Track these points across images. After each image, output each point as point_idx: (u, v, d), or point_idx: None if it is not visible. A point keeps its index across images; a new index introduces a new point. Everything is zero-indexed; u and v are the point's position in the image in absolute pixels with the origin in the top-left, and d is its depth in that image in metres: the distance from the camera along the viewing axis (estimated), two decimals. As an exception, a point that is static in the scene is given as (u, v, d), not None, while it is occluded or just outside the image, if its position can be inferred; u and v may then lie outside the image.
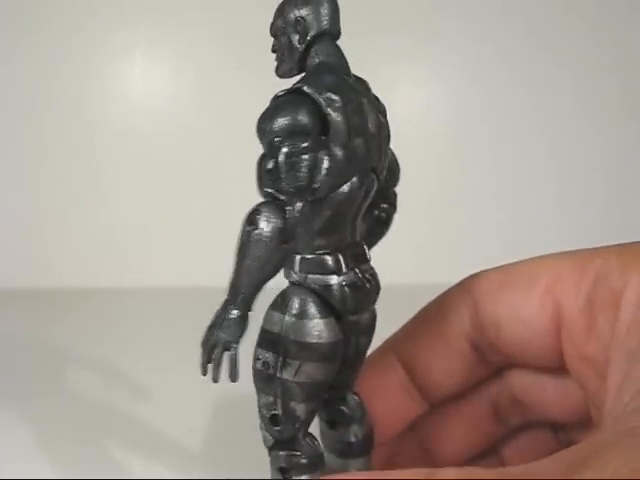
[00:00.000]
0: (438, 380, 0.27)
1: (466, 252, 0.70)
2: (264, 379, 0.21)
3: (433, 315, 0.27)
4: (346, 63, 0.22)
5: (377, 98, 0.23)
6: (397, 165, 0.24)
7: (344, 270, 0.21)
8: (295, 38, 0.21)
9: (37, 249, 0.72)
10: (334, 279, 0.21)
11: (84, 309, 0.63)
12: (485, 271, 0.26)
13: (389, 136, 0.22)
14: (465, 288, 0.26)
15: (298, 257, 0.21)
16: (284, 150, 0.19)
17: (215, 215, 0.65)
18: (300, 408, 0.21)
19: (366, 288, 0.22)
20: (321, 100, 0.20)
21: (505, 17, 0.75)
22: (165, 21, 0.73)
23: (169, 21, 0.73)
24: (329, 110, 0.20)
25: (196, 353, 0.20)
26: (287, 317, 0.21)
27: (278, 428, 0.22)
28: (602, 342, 0.22)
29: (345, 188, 0.20)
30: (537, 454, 0.26)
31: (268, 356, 0.21)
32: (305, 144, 0.20)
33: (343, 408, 0.24)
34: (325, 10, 0.21)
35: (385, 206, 0.24)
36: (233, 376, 0.20)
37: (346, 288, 0.21)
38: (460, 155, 0.74)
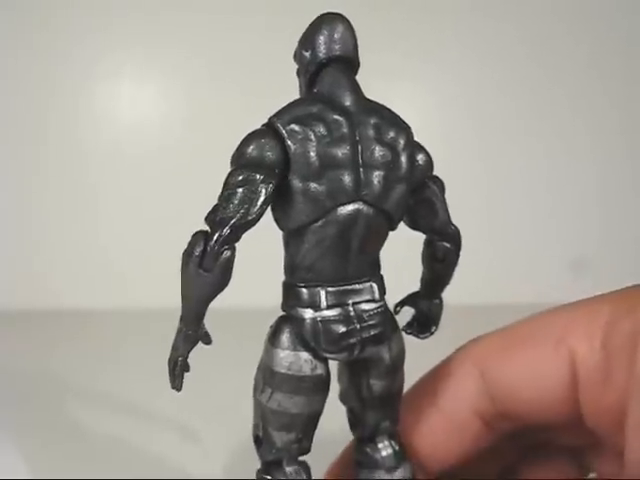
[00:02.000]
0: (441, 457, 0.25)
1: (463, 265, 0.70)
2: (254, 400, 0.22)
3: (432, 389, 0.25)
4: (352, 91, 0.21)
5: (397, 129, 0.21)
6: (436, 199, 0.22)
7: (322, 305, 0.21)
8: (304, 65, 0.21)
9: (32, 271, 0.72)
10: (308, 313, 0.21)
11: (82, 331, 0.63)
12: (485, 336, 0.25)
13: (403, 166, 0.21)
14: (466, 357, 0.25)
15: (285, 287, 0.21)
16: (228, 180, 0.19)
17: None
18: (276, 435, 0.21)
19: (353, 327, 0.21)
20: (283, 132, 0.19)
21: (497, 31, 0.76)
22: (154, 44, 0.74)
23: (158, 44, 0.74)
24: (289, 142, 0.19)
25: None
26: (268, 343, 0.21)
27: (259, 450, 0.22)
28: (619, 391, 0.21)
29: (322, 221, 0.20)
30: (557, 476, 0.26)
31: (258, 378, 0.22)
32: (255, 176, 0.19)
33: (369, 451, 0.23)
34: (333, 36, 0.21)
35: (441, 244, 0.23)
36: (175, 385, 0.21)
37: (320, 324, 0.21)
38: (453, 171, 0.74)
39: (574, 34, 0.77)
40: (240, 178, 0.19)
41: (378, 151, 0.20)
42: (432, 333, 0.25)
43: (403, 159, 0.21)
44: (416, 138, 0.22)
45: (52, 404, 0.45)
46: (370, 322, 0.21)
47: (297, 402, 0.21)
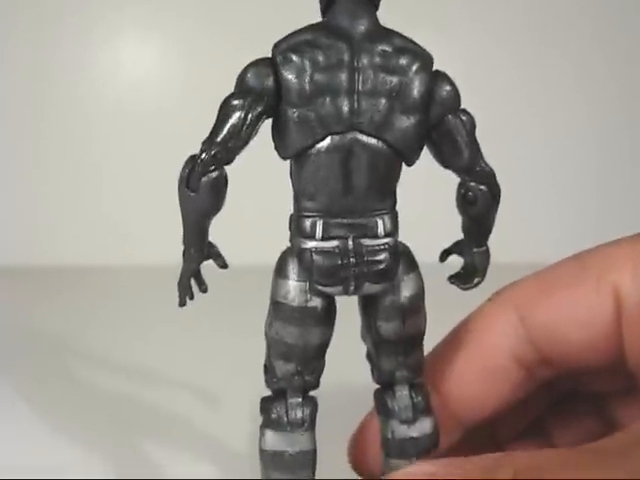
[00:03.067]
0: (476, 407, 0.24)
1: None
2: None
3: (468, 336, 0.25)
4: (362, 20, 0.20)
5: (411, 56, 0.20)
6: (459, 135, 0.21)
7: (318, 236, 0.21)
8: None
9: (30, 227, 0.72)
10: (305, 243, 0.21)
11: (79, 287, 0.64)
12: (522, 280, 0.25)
13: (412, 96, 0.20)
14: (503, 302, 0.24)
15: (290, 217, 0.22)
16: (221, 106, 0.20)
17: None
18: (277, 365, 0.22)
19: (348, 261, 0.20)
20: (277, 60, 0.20)
21: (502, 8, 0.75)
22: (155, 2, 0.73)
23: (159, 3, 0.73)
24: (281, 69, 0.20)
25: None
26: (274, 273, 0.22)
27: (265, 379, 0.23)
28: None
29: (315, 149, 0.20)
30: (582, 431, 0.26)
31: (269, 309, 0.22)
32: (244, 102, 0.20)
33: (386, 399, 0.23)
34: None
35: (472, 184, 0.21)
36: (179, 302, 0.22)
37: (315, 255, 0.21)
38: None
39: (577, 6, 0.76)
40: (230, 104, 0.20)
41: (381, 78, 0.20)
42: (476, 285, 0.23)
43: (414, 88, 0.20)
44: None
45: (55, 361, 0.45)
46: (369, 258, 0.21)
47: (292, 332, 0.21)
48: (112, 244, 0.72)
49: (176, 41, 0.75)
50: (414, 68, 0.20)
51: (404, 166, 0.21)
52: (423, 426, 0.22)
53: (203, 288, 0.23)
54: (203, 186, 0.20)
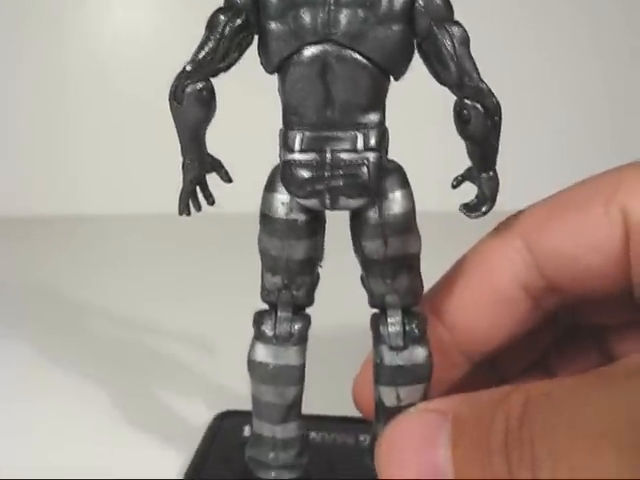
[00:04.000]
0: (484, 338, 0.24)
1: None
2: None
3: (474, 265, 0.24)
4: None
5: None
6: (444, 48, 0.20)
7: (296, 148, 0.21)
8: None
9: (25, 177, 0.73)
10: (288, 156, 0.21)
11: (76, 236, 0.65)
12: (529, 207, 0.24)
13: (389, 5, 0.20)
14: (509, 229, 0.24)
15: (279, 131, 0.22)
16: (206, 25, 0.21)
17: None
18: (266, 278, 0.23)
19: (322, 174, 0.21)
20: None
21: None
22: None
23: None
24: None
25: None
26: (264, 187, 0.22)
27: (260, 292, 0.24)
28: None
29: (293, 61, 0.20)
30: (586, 367, 0.25)
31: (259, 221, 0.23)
32: (224, 18, 0.20)
33: (379, 324, 0.23)
34: None
35: (464, 101, 0.20)
36: (179, 210, 0.23)
37: (292, 168, 0.21)
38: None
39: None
40: (212, 19, 0.21)
41: None
42: (484, 213, 0.22)
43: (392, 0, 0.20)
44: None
45: (52, 310, 0.46)
46: (344, 172, 0.21)
47: (275, 245, 0.22)
48: (105, 193, 0.72)
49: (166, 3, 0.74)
50: None
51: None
52: (413, 355, 0.22)
53: (210, 200, 0.23)
54: (187, 97, 0.21)
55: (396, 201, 0.21)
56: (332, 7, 0.20)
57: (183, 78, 0.21)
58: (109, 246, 0.62)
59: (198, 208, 0.24)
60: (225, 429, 0.29)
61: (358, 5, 0.20)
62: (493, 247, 0.24)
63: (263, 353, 0.23)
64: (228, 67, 0.22)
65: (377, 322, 0.23)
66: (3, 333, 0.41)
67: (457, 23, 0.20)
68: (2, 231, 0.64)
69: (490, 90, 0.20)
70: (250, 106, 0.55)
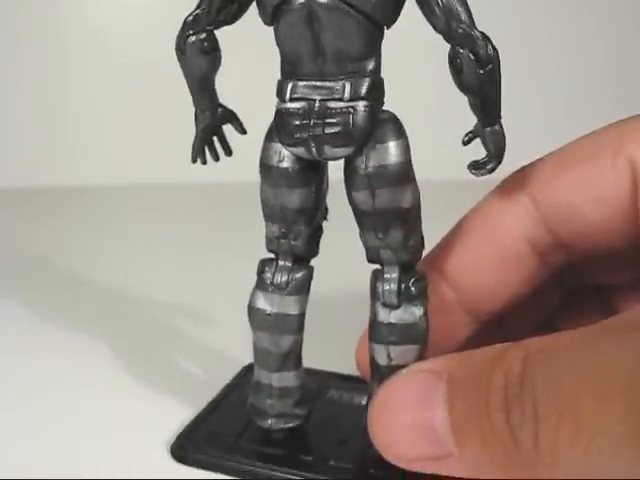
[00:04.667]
0: (491, 296, 0.24)
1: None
2: None
3: (479, 222, 0.24)
4: None
5: None
6: None
7: (286, 97, 0.21)
8: None
9: (24, 149, 0.72)
10: (280, 105, 0.21)
11: (75, 207, 0.64)
12: (534, 162, 0.23)
13: None
14: (514, 185, 0.23)
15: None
16: None
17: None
18: (267, 226, 0.23)
19: (308, 122, 0.21)
20: None
21: None
22: None
23: None
24: None
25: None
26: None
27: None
28: None
29: (282, 10, 0.20)
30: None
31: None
32: None
33: (377, 280, 0.23)
34: None
35: (458, 50, 0.20)
36: (191, 157, 0.25)
37: (282, 116, 0.21)
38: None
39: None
40: None
41: None
42: (490, 170, 0.21)
43: None
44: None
45: (50, 281, 0.45)
46: (328, 120, 0.20)
47: (270, 192, 0.22)
48: (104, 163, 0.72)
49: None
50: None
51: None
52: (407, 314, 0.22)
53: (227, 152, 0.25)
54: (189, 47, 0.22)
55: (385, 152, 0.21)
56: None
57: (185, 29, 0.22)
58: (109, 216, 0.62)
59: (216, 157, 0.25)
60: (249, 379, 0.30)
61: None
62: (498, 203, 0.24)
63: (262, 300, 0.24)
64: (232, 19, 0.23)
65: (375, 278, 0.23)
66: (3, 302, 0.41)
67: None
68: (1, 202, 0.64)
69: (483, 36, 0.19)
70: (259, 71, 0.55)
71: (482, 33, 0.19)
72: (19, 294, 0.42)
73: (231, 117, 0.25)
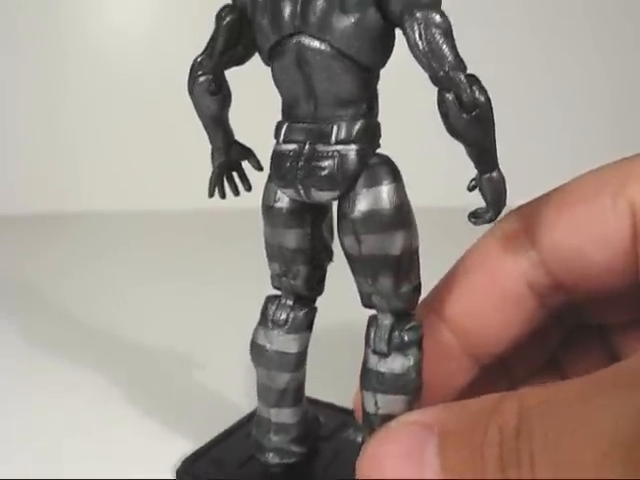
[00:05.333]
0: (493, 339, 0.23)
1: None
2: None
3: (477, 264, 0.23)
4: None
5: None
6: (413, 39, 0.18)
7: (281, 139, 0.21)
8: None
9: (24, 175, 0.72)
10: (276, 146, 0.21)
11: (72, 234, 0.65)
12: (531, 201, 0.23)
13: None
14: (513, 223, 0.23)
15: None
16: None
17: (197, 139, 0.64)
18: (269, 264, 0.24)
19: (296, 164, 0.21)
20: None
21: None
22: None
23: None
24: None
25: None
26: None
27: None
28: None
29: (275, 53, 0.20)
30: (594, 364, 0.24)
31: None
32: (224, 15, 0.22)
33: (370, 326, 0.22)
34: None
35: (444, 94, 0.19)
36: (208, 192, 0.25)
37: (277, 157, 0.21)
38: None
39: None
40: (215, 17, 0.22)
41: None
42: (488, 220, 0.20)
43: None
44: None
45: (50, 308, 0.45)
46: (314, 163, 0.20)
47: (267, 232, 0.23)
48: (102, 190, 0.72)
49: None
50: None
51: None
52: (395, 364, 0.21)
53: (246, 187, 0.25)
54: (197, 88, 0.23)
55: (371, 197, 0.20)
56: (299, 1, 0.20)
57: (194, 71, 0.23)
58: (109, 243, 0.62)
59: (235, 192, 0.25)
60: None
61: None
62: (496, 244, 0.23)
63: (262, 336, 0.24)
64: (240, 61, 0.23)
65: (369, 323, 0.22)
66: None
67: (431, 7, 0.18)
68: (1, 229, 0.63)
69: (468, 79, 0.18)
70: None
71: (468, 76, 0.18)
72: (16, 323, 0.42)
73: (247, 154, 0.25)
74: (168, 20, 0.73)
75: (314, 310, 0.25)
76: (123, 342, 0.40)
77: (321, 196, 0.21)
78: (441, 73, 0.18)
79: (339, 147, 0.20)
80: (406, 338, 0.21)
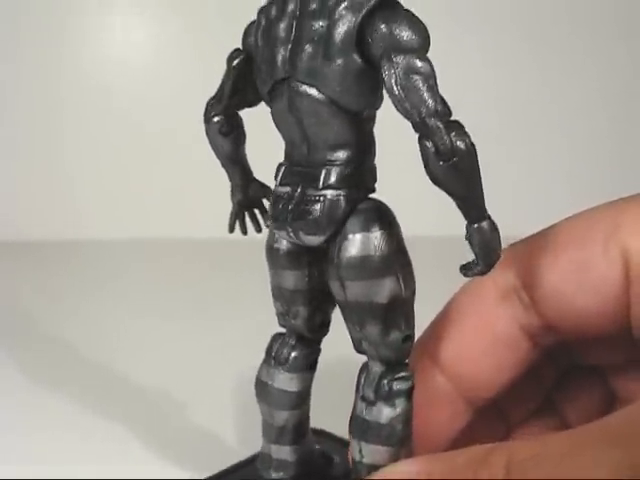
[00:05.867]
0: (487, 382, 0.23)
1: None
2: None
3: (469, 306, 0.23)
4: None
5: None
6: (389, 83, 0.18)
7: (278, 182, 0.21)
8: None
9: (23, 202, 0.73)
10: (274, 188, 0.22)
11: (72, 261, 0.65)
12: (521, 242, 0.23)
13: (339, 38, 0.19)
14: (504, 265, 0.22)
15: None
16: None
17: (196, 168, 0.62)
18: (273, 301, 0.24)
19: (286, 207, 0.21)
20: (256, 19, 0.22)
21: None
22: None
23: None
24: (252, 28, 0.22)
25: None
26: None
27: None
28: None
29: (271, 98, 0.21)
30: (592, 405, 0.25)
31: None
32: (232, 58, 0.22)
33: (361, 372, 0.22)
34: None
35: (422, 141, 0.18)
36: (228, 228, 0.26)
37: (274, 199, 0.22)
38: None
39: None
40: (227, 61, 0.23)
41: (312, 24, 0.19)
42: (477, 273, 0.19)
43: (337, 31, 0.19)
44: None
45: (46, 337, 0.45)
46: (305, 207, 0.20)
47: (270, 272, 0.23)
48: (104, 219, 0.72)
49: (169, 17, 0.73)
50: (340, 9, 0.19)
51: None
52: (380, 413, 0.21)
53: (266, 224, 0.25)
54: (210, 130, 0.24)
55: (357, 243, 0.20)
56: (291, 45, 0.20)
57: (208, 111, 0.24)
58: (108, 270, 0.62)
59: (244, 231, 0.26)
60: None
61: (308, 41, 0.19)
62: (488, 286, 0.23)
63: (265, 373, 0.25)
64: (250, 103, 0.24)
65: (361, 369, 0.22)
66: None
67: (412, 52, 0.18)
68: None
69: (446, 126, 0.18)
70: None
71: (449, 122, 0.18)
72: (13, 354, 0.42)
73: (266, 192, 0.25)
74: (168, 51, 0.74)
75: (317, 351, 0.25)
76: (120, 376, 0.39)
77: (309, 240, 0.21)
78: (417, 120, 0.18)
79: (327, 192, 0.20)
80: (394, 388, 0.21)
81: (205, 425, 0.35)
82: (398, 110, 0.18)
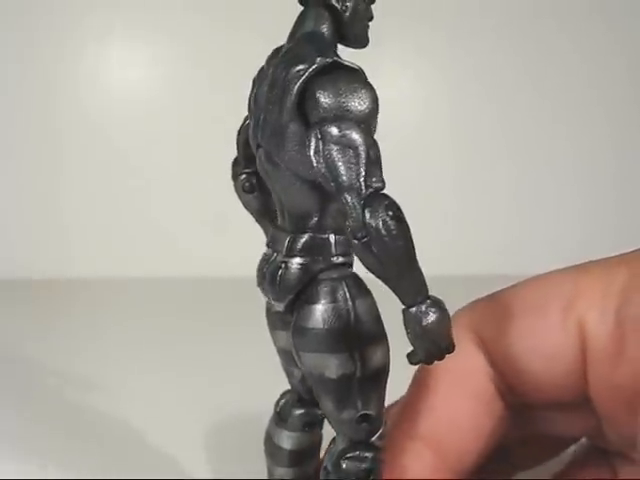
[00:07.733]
0: (467, 446, 0.22)
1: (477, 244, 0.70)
2: None
3: (443, 370, 0.22)
4: (303, 28, 0.19)
5: (297, 62, 0.18)
6: (309, 152, 0.17)
7: (265, 243, 0.21)
8: None
9: (14, 241, 0.71)
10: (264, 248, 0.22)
11: (66, 300, 0.63)
12: (486, 298, 0.23)
13: (287, 109, 0.18)
14: (465, 326, 0.22)
15: None
16: None
17: (196, 202, 0.65)
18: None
19: (263, 270, 0.21)
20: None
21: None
22: (144, 4, 0.71)
23: (148, 4, 0.71)
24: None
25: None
26: None
27: None
28: (632, 368, 0.19)
29: (255, 164, 0.21)
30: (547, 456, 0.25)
31: None
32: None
33: (329, 445, 0.21)
34: None
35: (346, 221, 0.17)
36: None
37: (260, 260, 0.21)
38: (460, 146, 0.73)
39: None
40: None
41: (269, 93, 0.19)
42: (416, 362, 0.17)
43: (288, 98, 0.18)
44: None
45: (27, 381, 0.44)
46: (273, 272, 0.20)
47: (271, 335, 0.22)
48: (99, 257, 0.71)
49: (167, 45, 0.72)
50: (291, 76, 0.18)
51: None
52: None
53: None
54: (236, 188, 0.23)
55: (308, 314, 0.19)
56: (261, 114, 0.19)
57: (233, 168, 0.24)
58: (103, 309, 0.61)
59: None
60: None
61: (269, 110, 0.19)
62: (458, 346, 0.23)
63: (272, 426, 0.24)
64: None
65: (331, 441, 0.21)
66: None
67: (338, 120, 0.17)
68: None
69: (362, 202, 0.16)
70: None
71: (366, 197, 0.16)
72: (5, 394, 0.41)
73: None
74: (167, 88, 0.73)
75: (314, 413, 0.23)
76: (115, 417, 0.38)
77: (276, 305, 0.20)
78: (335, 193, 0.17)
79: (289, 259, 0.20)
80: (351, 468, 0.20)
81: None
82: (321, 182, 0.17)
